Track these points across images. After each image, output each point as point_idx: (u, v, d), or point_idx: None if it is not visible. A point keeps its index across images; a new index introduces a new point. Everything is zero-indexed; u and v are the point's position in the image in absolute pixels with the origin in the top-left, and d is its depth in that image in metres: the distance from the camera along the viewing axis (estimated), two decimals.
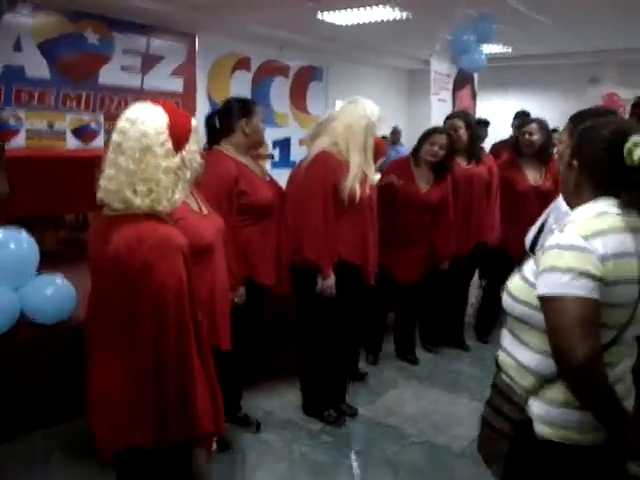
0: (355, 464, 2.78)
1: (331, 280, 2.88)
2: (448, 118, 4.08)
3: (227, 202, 2.57)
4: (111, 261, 1.55)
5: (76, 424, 2.82)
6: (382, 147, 3.91)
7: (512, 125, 5.95)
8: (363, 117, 2.87)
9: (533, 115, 4.90)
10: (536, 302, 1.36)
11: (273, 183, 2.88)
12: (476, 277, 4.62)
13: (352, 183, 2.81)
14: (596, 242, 1.31)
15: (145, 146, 1.54)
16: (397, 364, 3.96)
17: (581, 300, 1.28)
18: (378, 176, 3.24)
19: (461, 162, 3.94)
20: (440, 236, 3.76)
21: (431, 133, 3.68)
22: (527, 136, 3.91)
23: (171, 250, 1.55)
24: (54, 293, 2.98)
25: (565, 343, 1.28)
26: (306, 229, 2.86)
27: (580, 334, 1.26)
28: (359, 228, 2.94)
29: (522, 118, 5.57)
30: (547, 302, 1.32)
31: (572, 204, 1.48)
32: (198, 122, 1.74)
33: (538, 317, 1.35)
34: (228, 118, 2.75)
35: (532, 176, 3.96)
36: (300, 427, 3.09)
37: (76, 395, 2.65)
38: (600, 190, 1.41)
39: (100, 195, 1.59)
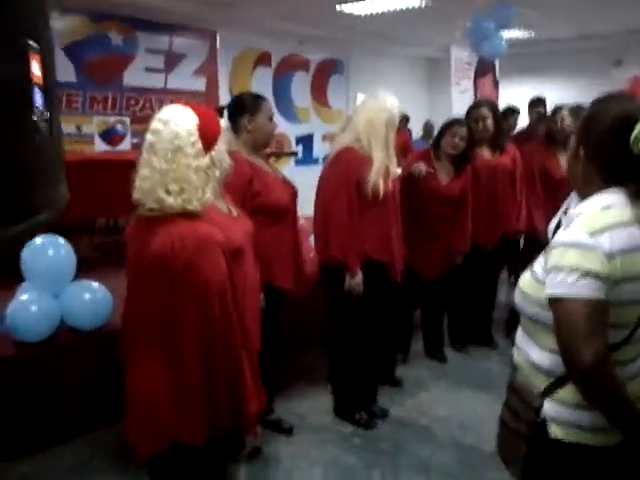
0: (387, 467, 2.82)
1: (358, 278, 2.90)
2: (474, 107, 4.04)
3: (242, 204, 2.51)
4: (153, 261, 1.60)
5: (115, 429, 2.92)
6: (408, 144, 3.91)
7: (528, 112, 5.73)
8: (384, 110, 2.88)
9: (554, 100, 4.86)
10: (545, 301, 1.34)
11: (287, 183, 2.86)
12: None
13: (376, 178, 2.83)
14: (603, 238, 1.28)
15: (177, 146, 1.61)
16: (427, 363, 4.00)
17: (586, 301, 1.26)
18: (399, 170, 3.23)
19: (484, 153, 3.93)
20: (456, 230, 3.76)
21: (451, 124, 3.68)
22: (560, 123, 3.95)
23: (212, 247, 1.62)
24: (92, 299, 3.07)
25: (571, 344, 1.27)
26: (331, 227, 2.89)
27: (586, 335, 1.25)
28: (384, 224, 2.96)
29: (537, 104, 5.52)
30: (553, 303, 1.31)
31: (581, 194, 1.44)
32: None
33: (548, 316, 1.34)
34: (233, 116, 2.71)
35: None
36: (332, 430, 3.15)
37: (115, 400, 2.76)
38: (608, 180, 1.36)
39: (136, 196, 1.66)
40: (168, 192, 1.60)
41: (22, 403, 2.85)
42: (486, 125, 3.88)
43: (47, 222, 0.94)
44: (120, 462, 2.78)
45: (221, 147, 1.72)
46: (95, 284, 3.14)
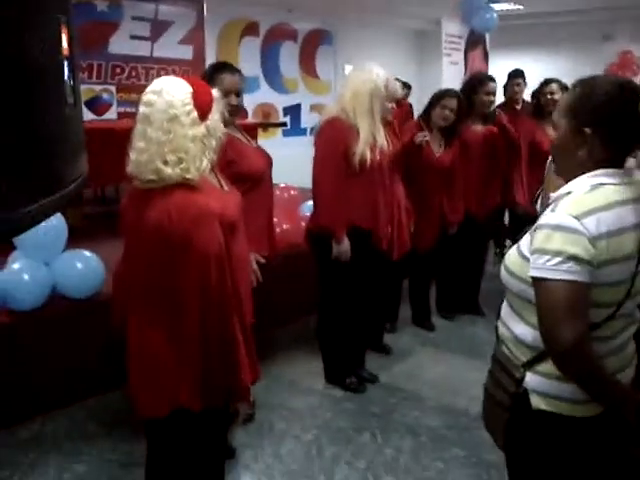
0: (377, 430, 2.89)
1: (345, 244, 2.95)
2: (487, 79, 4.00)
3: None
4: (152, 232, 1.62)
5: (108, 396, 3.01)
6: (409, 113, 3.89)
7: (505, 85, 5.62)
8: (368, 81, 2.90)
9: (543, 74, 4.86)
10: (529, 277, 1.36)
11: (262, 151, 2.87)
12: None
13: (363, 148, 2.87)
14: (589, 221, 1.28)
15: (172, 116, 1.61)
16: (414, 331, 4.07)
17: (568, 284, 1.28)
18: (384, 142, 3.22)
19: (477, 126, 3.98)
20: (449, 201, 3.82)
21: (442, 96, 3.70)
22: (549, 96, 4.03)
23: (210, 218, 1.65)
24: (84, 268, 3.08)
25: (551, 326, 1.31)
26: (319, 195, 2.97)
27: (565, 318, 1.28)
28: (370, 193, 2.99)
29: (517, 77, 5.47)
30: (536, 283, 1.33)
31: (567, 176, 1.41)
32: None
33: (532, 293, 1.37)
34: None
35: None
36: (323, 395, 3.21)
37: (108, 367, 2.79)
38: (616, 151, 1.36)
39: (130, 168, 1.66)
40: (166, 162, 1.60)
41: (17, 371, 2.87)
42: (494, 100, 3.94)
43: (75, 194, 0.96)
44: (116, 427, 2.84)
45: (215, 116, 1.72)
46: (87, 253, 3.15)
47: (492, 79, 4.03)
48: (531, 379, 1.41)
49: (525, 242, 1.43)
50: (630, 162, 1.47)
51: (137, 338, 1.73)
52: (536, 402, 1.41)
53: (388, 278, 3.69)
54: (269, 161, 2.86)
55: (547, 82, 4.21)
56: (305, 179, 3.31)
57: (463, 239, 3.98)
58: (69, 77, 0.89)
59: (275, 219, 3.73)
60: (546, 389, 1.40)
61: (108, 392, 3.05)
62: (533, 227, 1.41)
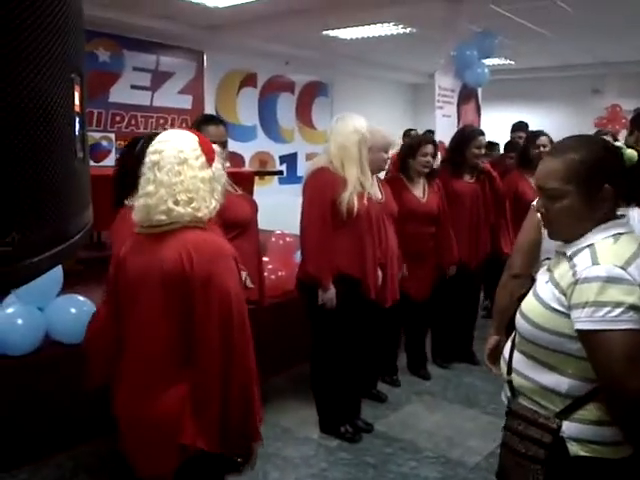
0: None
1: (331, 292, 2.96)
2: (479, 134, 4.09)
3: None
4: (167, 274, 1.60)
5: (97, 444, 2.92)
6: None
7: (510, 137, 5.72)
8: (354, 132, 2.95)
9: (534, 127, 4.96)
10: (568, 330, 1.36)
11: (247, 198, 2.93)
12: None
13: (350, 197, 2.90)
14: (632, 269, 1.31)
15: (182, 159, 1.64)
16: (409, 379, 4.02)
17: (630, 333, 1.29)
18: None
19: (466, 176, 4.06)
20: (442, 244, 3.85)
21: (420, 144, 3.78)
22: (542, 149, 4.04)
23: (228, 256, 1.65)
24: (78, 313, 3.05)
25: (619, 377, 1.30)
26: (306, 244, 3.00)
27: (632, 366, 1.29)
28: (358, 242, 3.01)
29: (520, 129, 5.60)
30: (591, 336, 1.32)
31: (575, 236, 1.43)
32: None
33: (571, 345, 1.36)
34: None
35: None
36: (318, 444, 3.15)
37: (99, 415, 2.73)
38: (616, 202, 1.42)
39: (137, 216, 1.66)
40: (177, 202, 1.61)
41: (4, 417, 2.81)
42: (482, 153, 4.03)
43: (79, 245, 0.98)
44: (102, 477, 2.76)
45: (218, 165, 1.76)
46: (81, 298, 3.13)
47: (482, 133, 4.12)
48: (568, 427, 1.40)
49: (547, 294, 1.43)
50: (620, 211, 1.51)
51: (152, 389, 1.66)
52: (575, 449, 1.39)
53: (384, 327, 3.67)
54: (254, 207, 2.93)
55: (538, 134, 4.26)
56: None
57: (456, 288, 4.00)
58: (79, 132, 0.93)
59: (270, 266, 3.78)
60: (585, 435, 1.39)
61: (96, 439, 2.97)
62: (560, 279, 1.40)
